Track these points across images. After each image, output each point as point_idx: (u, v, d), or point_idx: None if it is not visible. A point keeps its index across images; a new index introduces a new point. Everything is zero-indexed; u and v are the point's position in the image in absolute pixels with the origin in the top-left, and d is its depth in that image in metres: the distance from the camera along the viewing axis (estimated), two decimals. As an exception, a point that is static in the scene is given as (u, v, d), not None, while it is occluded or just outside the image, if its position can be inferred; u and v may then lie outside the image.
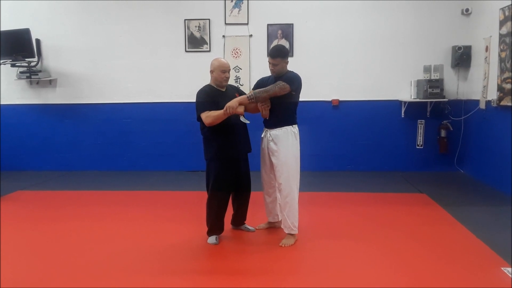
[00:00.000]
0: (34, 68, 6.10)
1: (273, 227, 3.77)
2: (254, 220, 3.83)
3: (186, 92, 5.61)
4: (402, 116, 5.99)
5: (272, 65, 3.36)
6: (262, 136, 3.55)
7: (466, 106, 5.71)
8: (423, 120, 5.98)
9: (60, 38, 6.19)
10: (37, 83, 6.31)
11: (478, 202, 4.51)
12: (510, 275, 2.79)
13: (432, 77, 5.72)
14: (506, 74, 4.66)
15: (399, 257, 3.17)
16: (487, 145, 5.21)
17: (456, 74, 5.84)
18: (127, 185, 5.54)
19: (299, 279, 2.86)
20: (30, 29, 5.82)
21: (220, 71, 3.33)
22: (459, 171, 5.92)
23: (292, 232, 3.42)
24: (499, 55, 4.82)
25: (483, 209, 4.27)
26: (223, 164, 3.37)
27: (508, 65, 4.60)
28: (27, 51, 5.84)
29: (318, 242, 3.46)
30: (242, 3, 5.95)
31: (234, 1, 5.97)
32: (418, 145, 6.04)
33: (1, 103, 6.33)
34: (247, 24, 6.00)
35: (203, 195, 3.57)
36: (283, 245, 3.37)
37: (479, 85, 5.36)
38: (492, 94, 4.99)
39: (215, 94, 3.35)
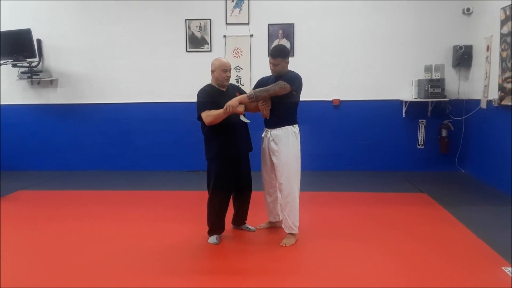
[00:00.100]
0: (35, 69, 6.10)
1: (274, 226, 3.77)
2: (255, 219, 3.83)
3: (187, 92, 5.61)
4: (403, 116, 5.98)
5: (273, 65, 3.36)
6: (263, 136, 3.55)
7: (467, 105, 5.70)
8: (424, 120, 5.97)
9: (60, 38, 6.19)
10: (38, 83, 6.31)
11: (479, 202, 4.51)
12: (511, 275, 2.79)
13: (433, 77, 5.72)
14: (507, 74, 4.65)
15: (399, 256, 3.16)
16: (488, 144, 5.20)
17: (457, 73, 5.83)
18: (127, 185, 5.55)
19: (300, 278, 2.86)
20: (31, 29, 5.81)
21: (221, 70, 3.33)
22: (460, 171, 5.91)
23: (293, 232, 3.42)
24: (500, 55, 4.82)
25: (484, 208, 4.26)
26: (224, 164, 3.37)
27: (509, 65, 4.59)
28: (29, 51, 5.83)
29: (318, 242, 3.45)
30: (243, 3, 5.95)
31: (235, 1, 5.96)
32: (419, 145, 6.03)
33: (2, 103, 6.34)
34: (248, 24, 6.00)
35: (204, 195, 3.57)
36: (283, 245, 3.37)
37: (480, 85, 5.35)
38: (493, 94, 4.98)
39: (216, 94, 3.35)
